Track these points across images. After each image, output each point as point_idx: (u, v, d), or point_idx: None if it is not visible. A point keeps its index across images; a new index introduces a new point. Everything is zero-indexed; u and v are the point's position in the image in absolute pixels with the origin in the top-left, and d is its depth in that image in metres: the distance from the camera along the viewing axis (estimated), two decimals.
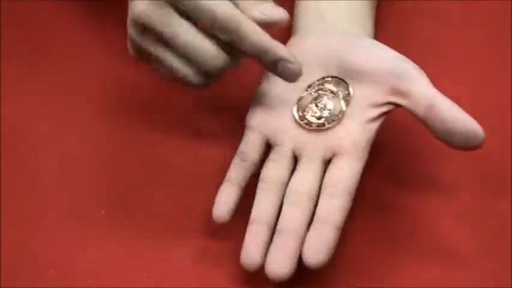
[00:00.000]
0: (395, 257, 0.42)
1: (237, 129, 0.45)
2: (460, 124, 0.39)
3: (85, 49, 0.54)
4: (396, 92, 0.41)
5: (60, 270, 0.43)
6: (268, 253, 0.39)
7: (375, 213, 0.44)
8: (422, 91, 0.40)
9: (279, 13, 0.40)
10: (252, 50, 0.40)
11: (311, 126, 0.42)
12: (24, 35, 0.55)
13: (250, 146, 0.43)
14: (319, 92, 0.43)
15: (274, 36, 0.41)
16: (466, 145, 0.39)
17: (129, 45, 0.43)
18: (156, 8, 0.39)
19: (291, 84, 0.43)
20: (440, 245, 0.43)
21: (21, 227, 0.45)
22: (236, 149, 0.43)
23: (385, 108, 0.42)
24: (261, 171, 0.42)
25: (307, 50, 0.45)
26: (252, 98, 0.45)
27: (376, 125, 0.42)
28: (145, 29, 0.40)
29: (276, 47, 0.40)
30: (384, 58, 0.42)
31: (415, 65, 0.42)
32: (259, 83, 0.45)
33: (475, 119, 0.39)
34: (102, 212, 0.45)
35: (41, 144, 0.49)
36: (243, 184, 0.42)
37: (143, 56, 0.42)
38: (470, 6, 0.54)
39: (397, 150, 0.47)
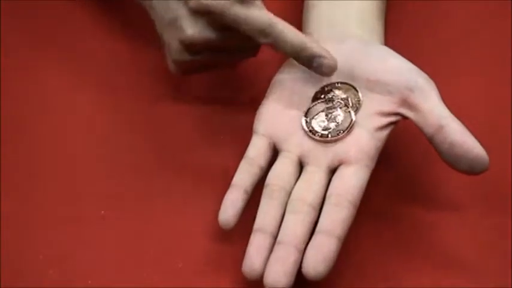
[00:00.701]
0: (399, 263, 0.43)
1: (245, 134, 0.44)
2: (467, 150, 0.39)
3: (86, 46, 0.54)
4: (406, 104, 0.41)
5: (60, 270, 0.43)
6: (268, 264, 0.38)
7: (379, 221, 0.44)
8: (432, 108, 0.40)
9: None
10: (291, 50, 0.42)
11: (315, 135, 0.42)
12: (24, 33, 0.55)
13: (257, 151, 0.43)
14: (332, 102, 0.43)
15: None
16: (469, 170, 0.40)
17: (174, 67, 0.46)
18: (206, 29, 0.43)
19: (301, 90, 0.43)
20: (443, 253, 0.43)
21: (21, 227, 0.45)
22: (244, 153, 0.43)
23: (393, 118, 0.41)
24: (267, 177, 0.42)
25: None
26: (260, 103, 0.45)
27: (384, 133, 0.41)
28: (197, 46, 0.44)
29: (312, 44, 0.42)
30: (398, 69, 0.42)
31: (429, 78, 0.42)
32: (268, 88, 0.45)
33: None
34: (102, 212, 0.45)
35: (41, 144, 0.49)
36: (249, 189, 0.41)
37: (190, 69, 0.46)
38: (470, 7, 0.54)
39: (403, 160, 0.47)
